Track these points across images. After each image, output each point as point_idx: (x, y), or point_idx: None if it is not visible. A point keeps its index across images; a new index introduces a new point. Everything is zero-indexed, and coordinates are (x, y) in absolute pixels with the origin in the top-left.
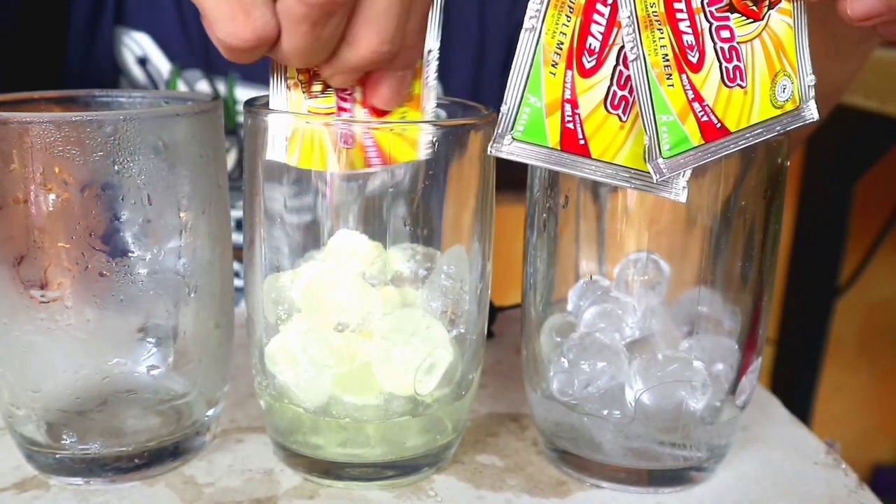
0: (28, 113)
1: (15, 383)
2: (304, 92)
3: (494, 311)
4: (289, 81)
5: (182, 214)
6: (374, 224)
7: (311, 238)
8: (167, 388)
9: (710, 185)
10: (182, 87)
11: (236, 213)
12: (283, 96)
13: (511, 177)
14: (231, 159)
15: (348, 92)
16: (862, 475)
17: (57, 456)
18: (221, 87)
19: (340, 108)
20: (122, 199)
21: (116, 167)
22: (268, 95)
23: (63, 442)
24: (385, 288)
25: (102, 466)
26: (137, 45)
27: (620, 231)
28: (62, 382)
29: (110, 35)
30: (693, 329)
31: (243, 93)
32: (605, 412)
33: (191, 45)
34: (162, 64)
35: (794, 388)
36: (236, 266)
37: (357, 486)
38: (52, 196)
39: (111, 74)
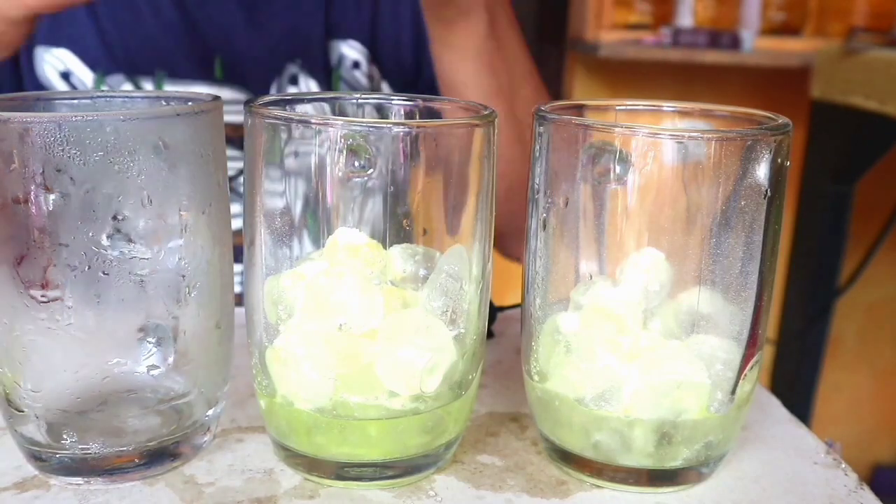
0: (28, 113)
1: (15, 383)
2: None
3: (494, 311)
4: None
5: (182, 214)
6: (374, 224)
7: (312, 238)
8: (167, 388)
9: (710, 185)
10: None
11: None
12: None
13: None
14: None
15: None
16: (862, 475)
17: (57, 456)
18: (148, 86)
19: None
20: (122, 199)
21: (116, 167)
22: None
23: (63, 442)
24: (386, 288)
25: (102, 466)
26: (59, 61)
27: (620, 231)
28: (62, 382)
29: (30, 54)
30: (693, 329)
31: (172, 89)
32: (605, 412)
33: (111, 53)
34: (84, 74)
35: (794, 388)
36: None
37: (357, 486)
38: (52, 196)
39: (36, 91)
